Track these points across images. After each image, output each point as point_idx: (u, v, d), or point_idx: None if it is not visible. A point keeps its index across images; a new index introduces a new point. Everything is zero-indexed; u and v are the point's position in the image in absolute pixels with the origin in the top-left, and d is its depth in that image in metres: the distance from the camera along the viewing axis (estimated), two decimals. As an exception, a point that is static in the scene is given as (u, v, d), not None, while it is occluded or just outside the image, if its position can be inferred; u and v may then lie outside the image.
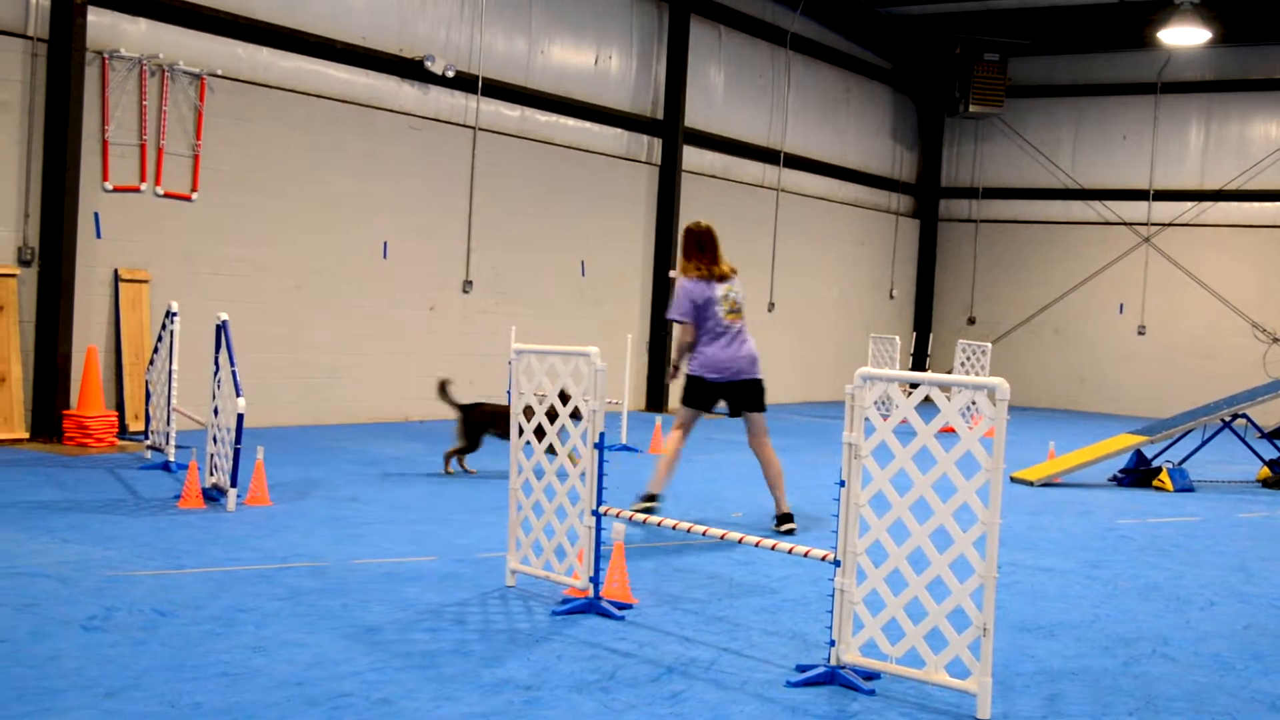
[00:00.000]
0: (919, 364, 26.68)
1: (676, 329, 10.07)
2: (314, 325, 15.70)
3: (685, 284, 9.83)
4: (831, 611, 5.70)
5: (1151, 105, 25.94)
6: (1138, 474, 13.98)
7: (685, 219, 20.86)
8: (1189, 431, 14.68)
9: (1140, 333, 26.00)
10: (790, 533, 9.59)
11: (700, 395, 9.88)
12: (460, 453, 12.12)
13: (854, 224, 25.97)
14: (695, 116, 21.33)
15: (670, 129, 20.65)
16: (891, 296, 27.28)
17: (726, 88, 22.27)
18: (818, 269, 24.79)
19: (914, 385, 5.74)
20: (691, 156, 21.28)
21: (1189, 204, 25.61)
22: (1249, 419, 15.13)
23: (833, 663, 5.70)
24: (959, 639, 5.37)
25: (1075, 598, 7.88)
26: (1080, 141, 26.81)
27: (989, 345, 19.18)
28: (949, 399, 5.48)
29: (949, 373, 21.53)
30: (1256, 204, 25.04)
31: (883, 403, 6.32)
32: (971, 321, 27.60)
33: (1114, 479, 14.10)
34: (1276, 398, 15.29)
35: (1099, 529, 10.79)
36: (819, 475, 13.06)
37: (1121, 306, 26.19)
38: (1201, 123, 25.70)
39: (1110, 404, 25.83)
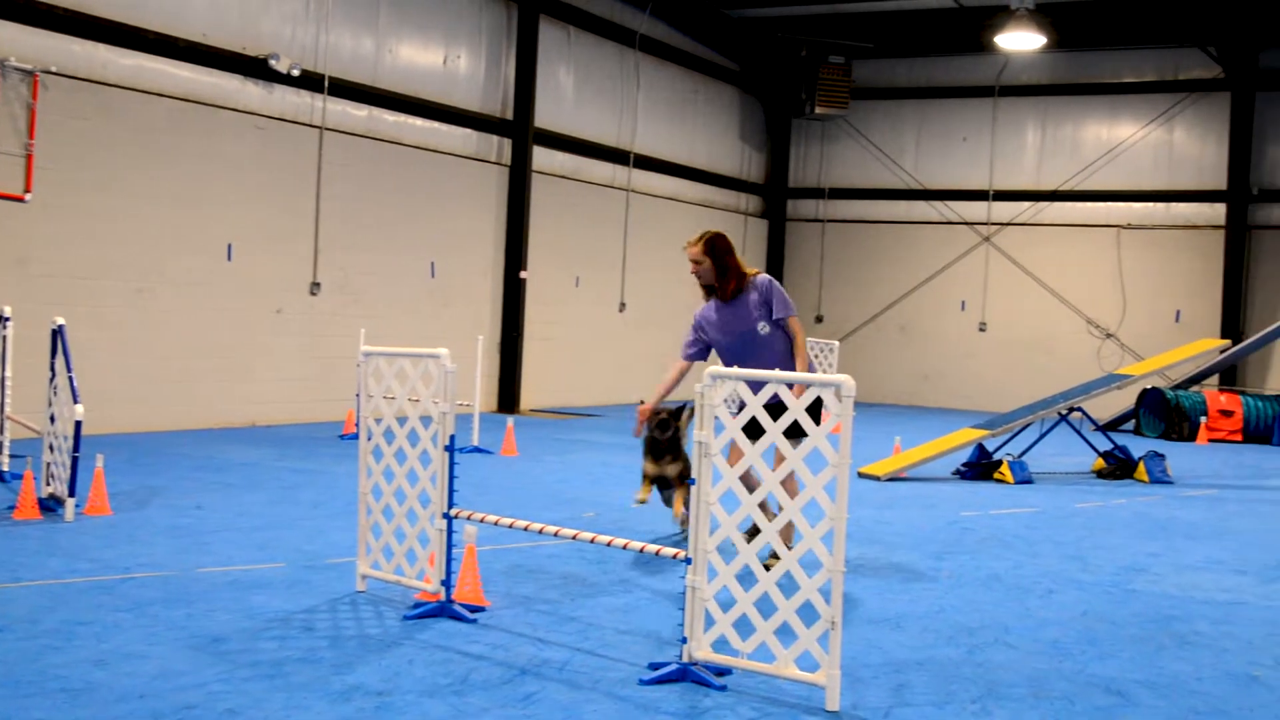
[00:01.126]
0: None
1: (797, 327, 8.51)
2: (156, 329, 15.32)
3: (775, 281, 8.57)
4: (683, 609, 5.75)
5: (990, 108, 26.63)
6: (980, 467, 14.34)
7: (535, 219, 20.87)
8: (1028, 425, 15.10)
9: (981, 329, 26.67)
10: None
11: None
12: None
13: (704, 224, 26.10)
14: (545, 117, 21.31)
15: (520, 129, 20.60)
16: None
17: (576, 88, 22.30)
18: (668, 269, 24.92)
19: (763, 383, 5.81)
20: (541, 157, 21.25)
21: (1026, 204, 26.36)
22: (1084, 412, 15.63)
23: (685, 660, 5.74)
24: (808, 633, 5.45)
25: (920, 589, 8.05)
26: (922, 143, 27.42)
27: (836, 343, 19.50)
28: (797, 397, 5.56)
29: (798, 370, 21.83)
30: (1089, 204, 25.87)
31: (732, 401, 6.38)
32: (819, 320, 28.03)
33: (957, 472, 14.44)
34: (1109, 391, 15.83)
35: (943, 521, 11.04)
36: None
37: (963, 304, 26.84)
38: (1038, 125, 26.47)
39: (953, 399, 26.46)
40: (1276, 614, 7.78)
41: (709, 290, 8.68)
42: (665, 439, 8.80)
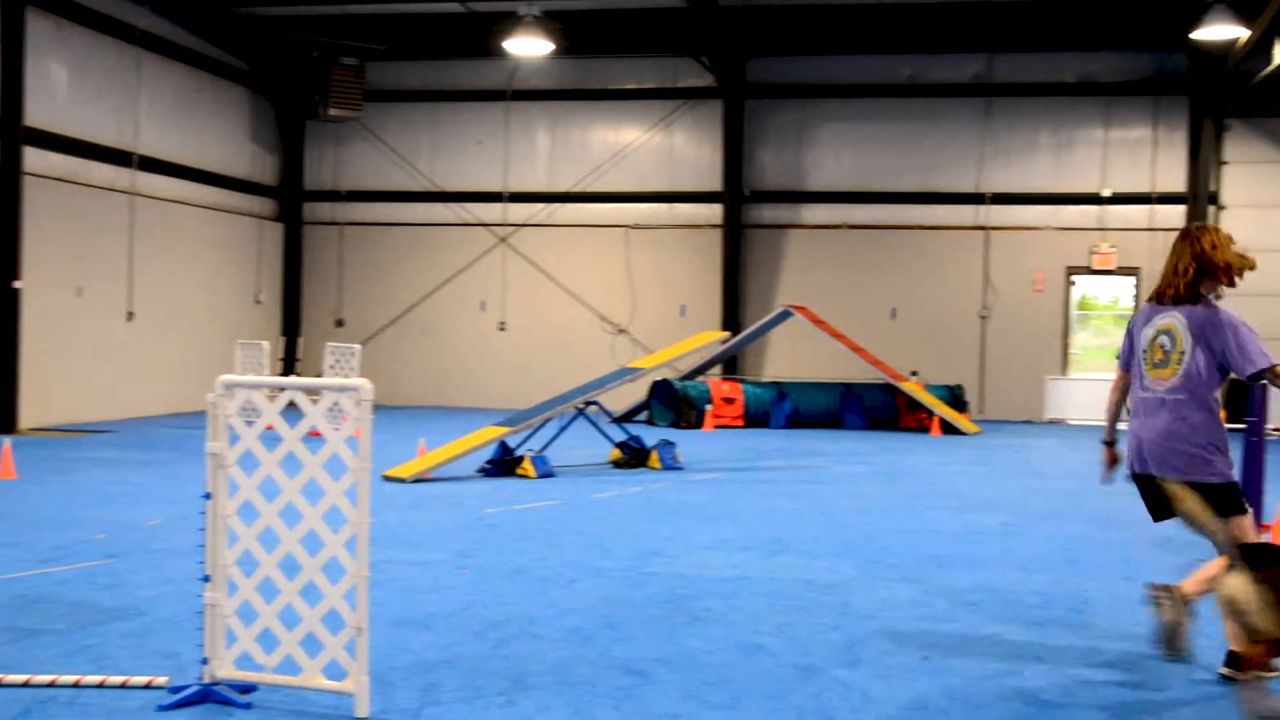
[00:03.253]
0: (289, 369, 26.46)
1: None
2: None
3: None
4: (203, 628, 5.55)
5: (503, 111, 27.18)
6: (503, 464, 14.64)
7: (29, 226, 19.49)
8: (548, 420, 15.55)
9: (501, 329, 27.19)
10: None
11: (1143, 493, 6.42)
12: None
13: (216, 228, 25.30)
14: (36, 115, 19.90)
15: (8, 128, 19.10)
16: (258, 301, 26.85)
17: (71, 85, 20.99)
18: (180, 275, 23.93)
19: (280, 390, 5.70)
20: (33, 158, 19.83)
21: (540, 205, 27.09)
22: (600, 405, 16.26)
23: (206, 680, 5.54)
24: (334, 641, 5.39)
25: (448, 588, 8.13)
26: (438, 145, 27.63)
27: (358, 347, 19.31)
28: (314, 403, 5.49)
29: (319, 376, 21.53)
30: (599, 205, 26.90)
31: (248, 410, 6.21)
32: (340, 324, 27.72)
33: (482, 470, 14.66)
34: (622, 384, 16.57)
35: (469, 519, 11.19)
36: (187, 489, 12.61)
37: (483, 304, 27.27)
38: (548, 129, 27.27)
39: (477, 398, 26.82)
40: (778, 586, 8.39)
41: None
42: None
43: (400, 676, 6.02)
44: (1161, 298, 6.33)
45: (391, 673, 6.06)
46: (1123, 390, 6.58)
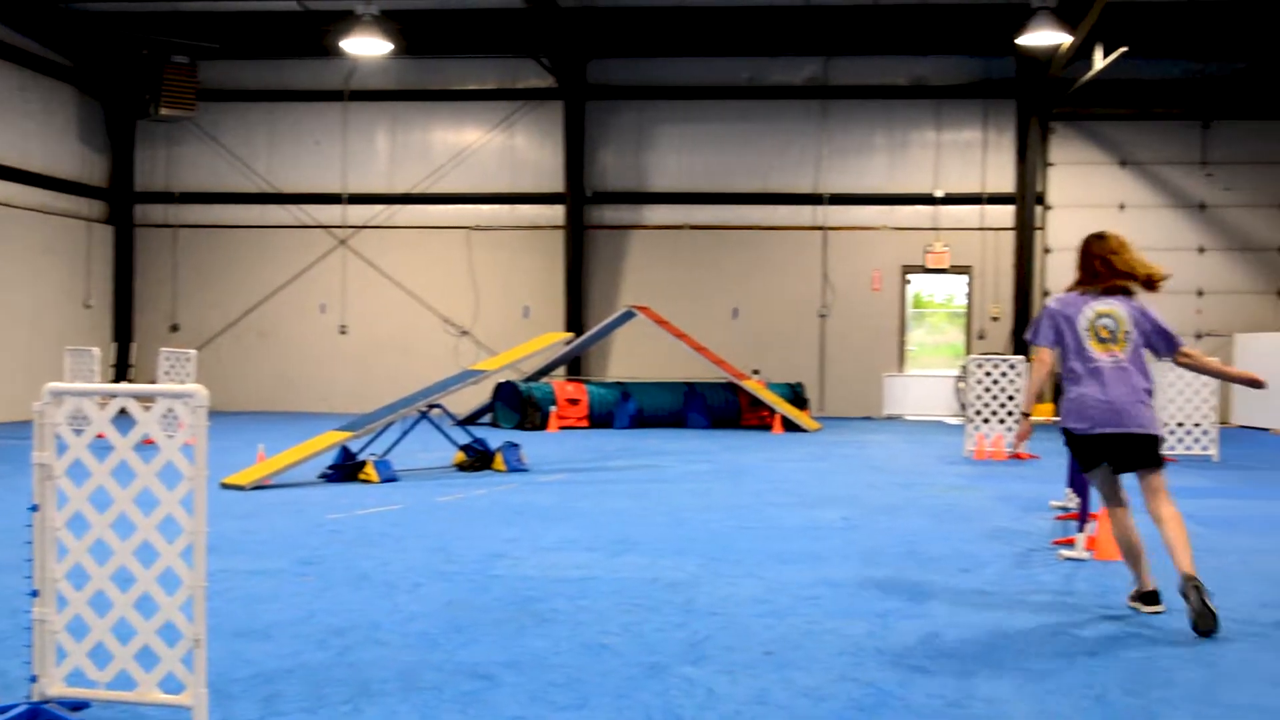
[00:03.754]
0: (121, 375, 25.76)
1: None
2: None
3: (1049, 302, 7.82)
4: (31, 645, 5.36)
5: (341, 112, 26.83)
6: (345, 469, 14.43)
7: None
8: (390, 424, 15.37)
9: (342, 332, 26.84)
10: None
11: (1083, 452, 7.66)
12: None
13: (43, 231, 24.50)
14: None
15: None
16: (88, 306, 26.07)
17: (-117, 82, 20.14)
18: (4, 280, 23.13)
19: (111, 397, 5.54)
20: None
21: (380, 207, 26.81)
22: (444, 408, 16.14)
23: (35, 699, 5.35)
24: (171, 654, 5.25)
25: (290, 596, 7.99)
26: (275, 146, 27.16)
27: (194, 352, 18.87)
28: (147, 410, 5.34)
29: (153, 382, 20.97)
30: (440, 206, 26.74)
31: (77, 418, 6.02)
32: (175, 329, 27.06)
33: (324, 475, 14.44)
34: (466, 386, 16.48)
35: (311, 525, 11.01)
36: (13, 501, 12.18)
37: (323, 307, 26.88)
38: (388, 130, 27.00)
39: (318, 403, 26.44)
40: (623, 584, 8.41)
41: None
42: None
43: (240, 688, 5.89)
44: (1106, 291, 7.53)
45: (231, 684, 5.93)
46: (1051, 367, 7.71)
